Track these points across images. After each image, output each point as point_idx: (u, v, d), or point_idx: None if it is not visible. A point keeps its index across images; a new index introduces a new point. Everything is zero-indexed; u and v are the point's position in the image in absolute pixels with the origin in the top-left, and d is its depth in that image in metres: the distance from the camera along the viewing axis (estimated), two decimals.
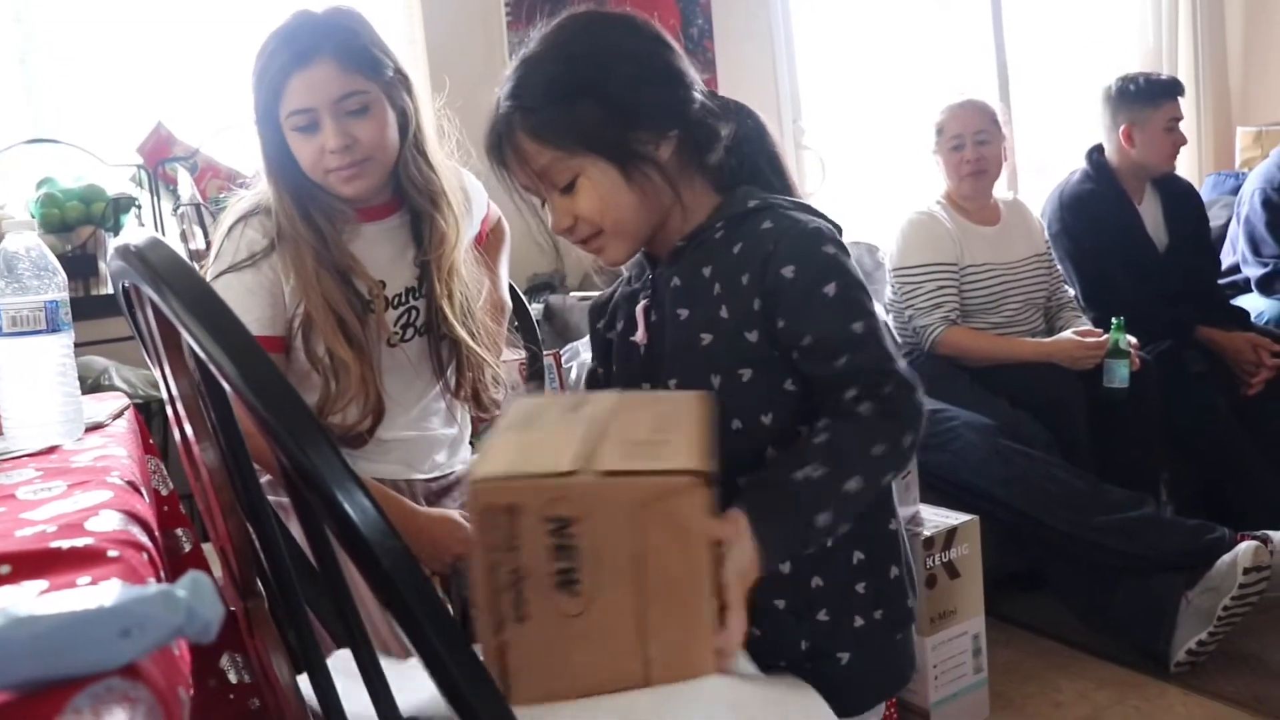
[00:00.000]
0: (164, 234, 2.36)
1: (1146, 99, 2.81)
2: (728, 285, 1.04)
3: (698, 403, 0.94)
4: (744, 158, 1.13)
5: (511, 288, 1.87)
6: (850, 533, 1.02)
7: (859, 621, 1.05)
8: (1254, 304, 3.07)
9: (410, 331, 1.58)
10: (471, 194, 1.66)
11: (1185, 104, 2.94)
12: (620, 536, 0.80)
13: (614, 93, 1.04)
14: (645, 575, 0.81)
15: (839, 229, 1.08)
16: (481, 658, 0.81)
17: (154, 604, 0.44)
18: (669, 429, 0.87)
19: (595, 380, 1.22)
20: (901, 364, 1.00)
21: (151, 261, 0.71)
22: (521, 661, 0.84)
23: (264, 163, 1.49)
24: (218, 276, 1.48)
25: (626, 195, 1.05)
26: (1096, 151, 2.92)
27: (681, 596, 0.82)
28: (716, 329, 1.04)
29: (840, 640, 1.05)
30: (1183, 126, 2.89)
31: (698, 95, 1.10)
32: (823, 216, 1.09)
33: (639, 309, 1.11)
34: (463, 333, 1.57)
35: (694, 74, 1.11)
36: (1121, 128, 2.85)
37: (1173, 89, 2.84)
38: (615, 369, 1.16)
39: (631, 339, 1.12)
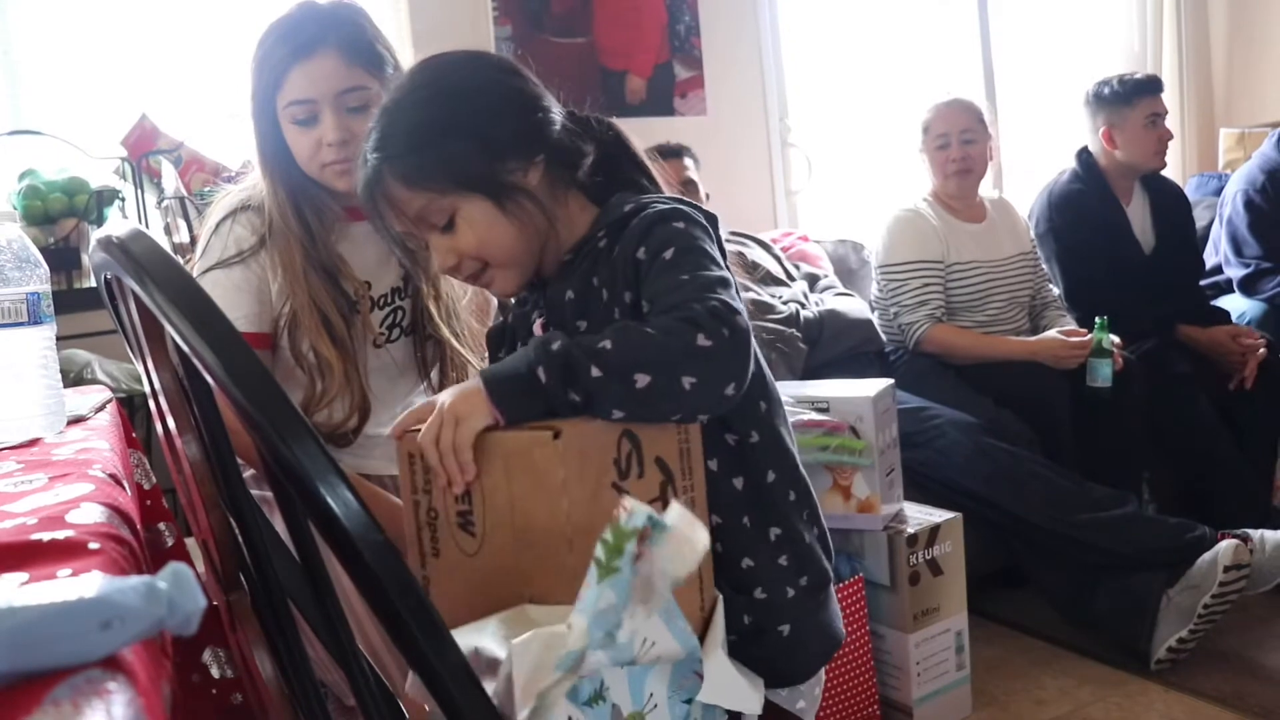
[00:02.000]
0: (148, 227, 2.35)
1: (1122, 99, 2.84)
2: (612, 289, 1.05)
3: None
4: (612, 167, 1.17)
5: None
6: (762, 512, 1.07)
7: (790, 593, 1.08)
8: (1236, 304, 3.10)
9: (396, 332, 1.57)
10: None
11: (1169, 106, 2.95)
12: (499, 484, 0.92)
13: (475, 128, 1.07)
14: (518, 521, 0.91)
15: (712, 218, 1.09)
16: None
17: (135, 595, 0.44)
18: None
19: None
20: (727, 298, 0.96)
21: (134, 253, 0.70)
22: (438, 594, 0.98)
23: (258, 154, 1.48)
24: (205, 272, 1.47)
25: (505, 226, 1.08)
26: (1086, 151, 2.93)
27: (548, 543, 0.90)
28: None
29: (778, 614, 1.08)
30: (1167, 127, 2.90)
31: (556, 117, 1.12)
32: (695, 207, 1.10)
33: (536, 326, 1.13)
34: (447, 333, 1.57)
35: (551, 98, 1.14)
36: (1101, 130, 2.87)
37: (1148, 86, 2.85)
38: None
39: None
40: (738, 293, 1.00)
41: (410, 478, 0.97)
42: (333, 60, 1.41)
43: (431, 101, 1.09)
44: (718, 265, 1.01)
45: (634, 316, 1.02)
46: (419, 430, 0.96)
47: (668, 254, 1.01)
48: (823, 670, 1.18)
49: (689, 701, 0.92)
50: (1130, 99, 2.82)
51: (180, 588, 0.45)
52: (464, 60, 1.14)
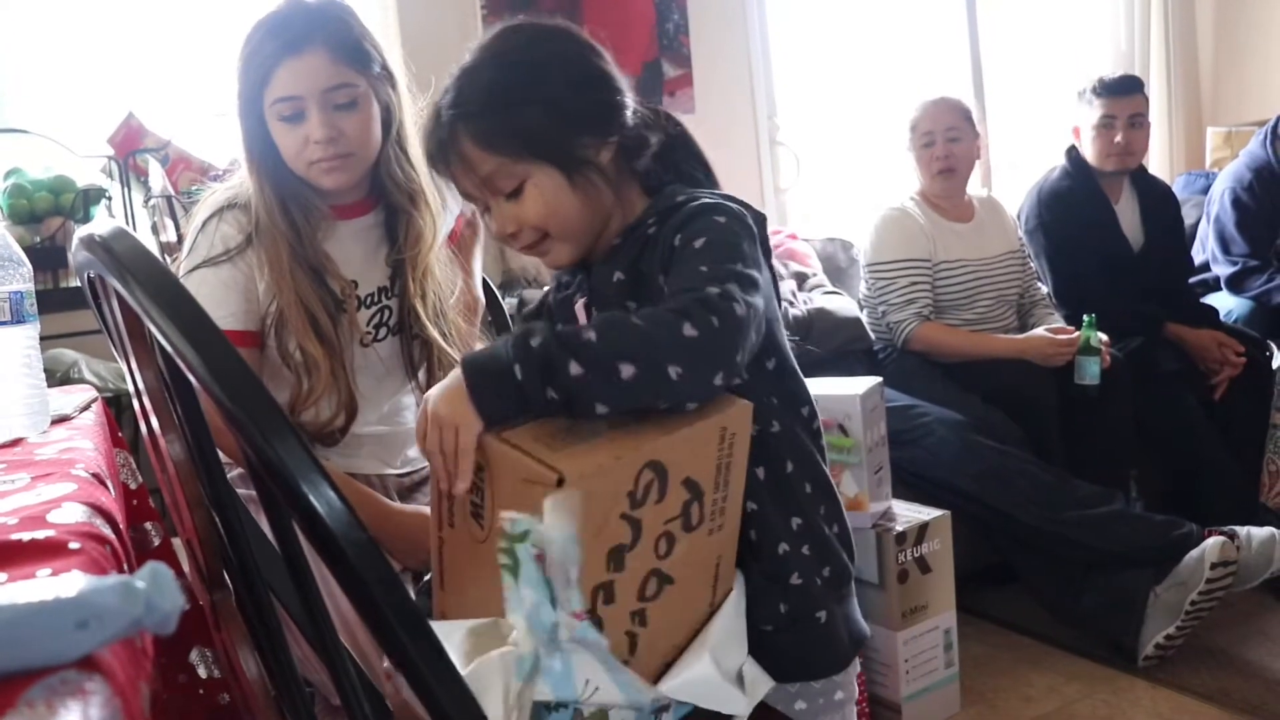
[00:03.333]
0: (135, 226, 2.34)
1: (1087, 99, 2.86)
2: (655, 273, 1.06)
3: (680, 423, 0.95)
4: (671, 164, 1.17)
5: (485, 282, 1.86)
6: (783, 502, 1.09)
7: (818, 582, 1.11)
8: (1223, 302, 3.11)
9: (383, 331, 1.57)
10: (445, 190, 1.65)
11: (1156, 105, 2.94)
12: (506, 496, 0.90)
13: (557, 99, 1.08)
14: None
15: (761, 217, 1.10)
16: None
17: (112, 595, 0.44)
18: (604, 432, 0.92)
19: None
20: (731, 287, 0.95)
21: (116, 252, 0.70)
22: (450, 558, 1.01)
23: (245, 152, 1.47)
24: (192, 271, 1.46)
25: (571, 199, 1.08)
26: (1075, 149, 2.94)
27: None
28: None
29: (813, 600, 1.10)
30: (1153, 127, 2.90)
31: (630, 103, 1.13)
32: (746, 205, 1.10)
33: (579, 307, 1.13)
34: (435, 333, 1.57)
35: (626, 85, 1.14)
36: (1074, 127, 2.90)
37: (1110, 87, 2.84)
38: None
39: None
40: (759, 290, 0.98)
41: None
42: (320, 57, 1.41)
43: (516, 66, 1.09)
44: (745, 261, 1.00)
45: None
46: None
47: (698, 243, 1.01)
48: (858, 663, 1.20)
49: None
50: (1092, 98, 2.84)
51: (158, 587, 0.45)
52: (551, 32, 1.14)
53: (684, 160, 1.19)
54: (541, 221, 1.09)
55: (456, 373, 0.93)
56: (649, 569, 0.94)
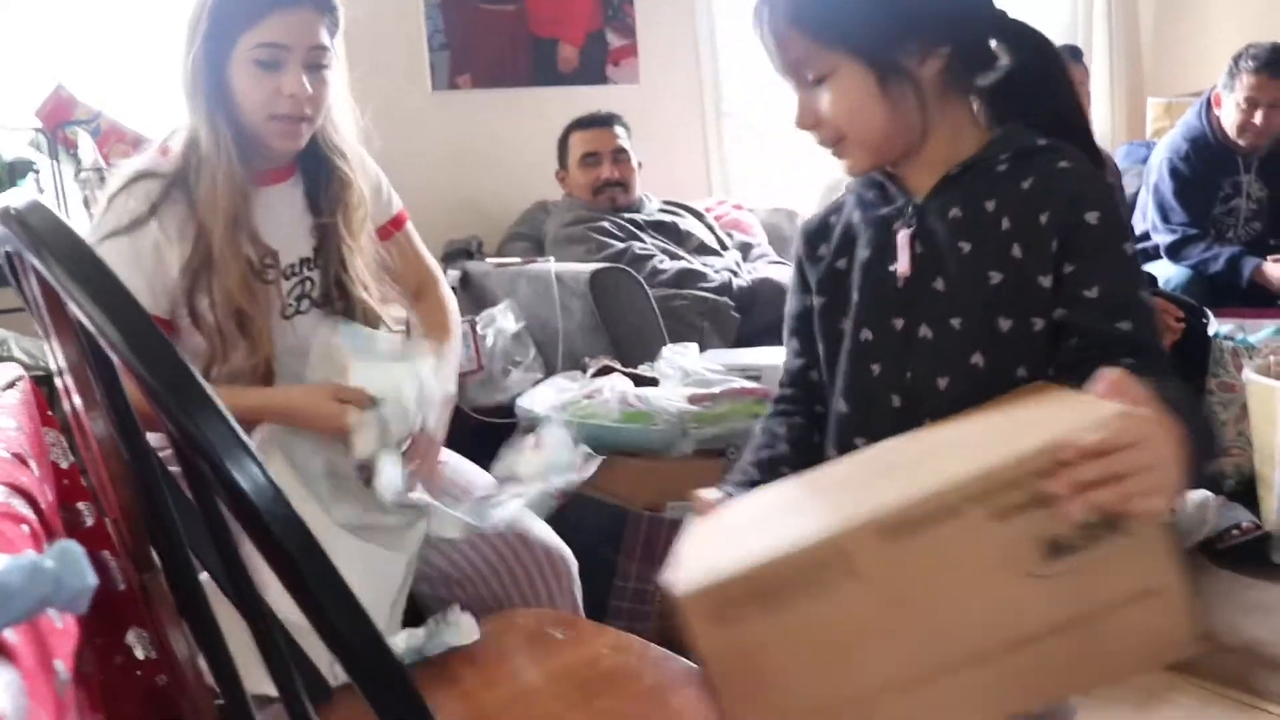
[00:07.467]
0: (65, 200, 2.28)
1: None
2: (1020, 222, 0.95)
3: None
4: (1021, 90, 1.02)
5: None
6: None
7: None
8: (1161, 270, 3.16)
9: (305, 303, 1.51)
10: (381, 181, 1.63)
11: (1099, 76, 2.97)
12: (1121, 596, 0.78)
13: None
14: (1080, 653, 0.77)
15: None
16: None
17: (17, 575, 0.43)
18: None
19: (805, 312, 1.12)
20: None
21: (31, 225, 0.68)
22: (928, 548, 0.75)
23: (196, 86, 1.39)
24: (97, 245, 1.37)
25: (878, 106, 0.96)
26: None
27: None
28: (1008, 268, 0.96)
29: None
30: (1096, 98, 2.92)
31: (986, 12, 1.02)
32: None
33: (902, 237, 1.01)
34: (362, 294, 1.53)
35: None
36: None
37: None
38: (858, 298, 1.05)
39: (890, 268, 1.03)
40: None
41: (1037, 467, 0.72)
42: (311, 14, 1.39)
43: None
44: None
45: (1053, 270, 0.93)
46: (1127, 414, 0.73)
47: (1127, 248, 0.94)
48: None
49: None
50: None
51: (67, 566, 0.44)
52: None
53: (1039, 92, 1.02)
54: (839, 121, 0.98)
55: (1169, 436, 0.76)
56: None
